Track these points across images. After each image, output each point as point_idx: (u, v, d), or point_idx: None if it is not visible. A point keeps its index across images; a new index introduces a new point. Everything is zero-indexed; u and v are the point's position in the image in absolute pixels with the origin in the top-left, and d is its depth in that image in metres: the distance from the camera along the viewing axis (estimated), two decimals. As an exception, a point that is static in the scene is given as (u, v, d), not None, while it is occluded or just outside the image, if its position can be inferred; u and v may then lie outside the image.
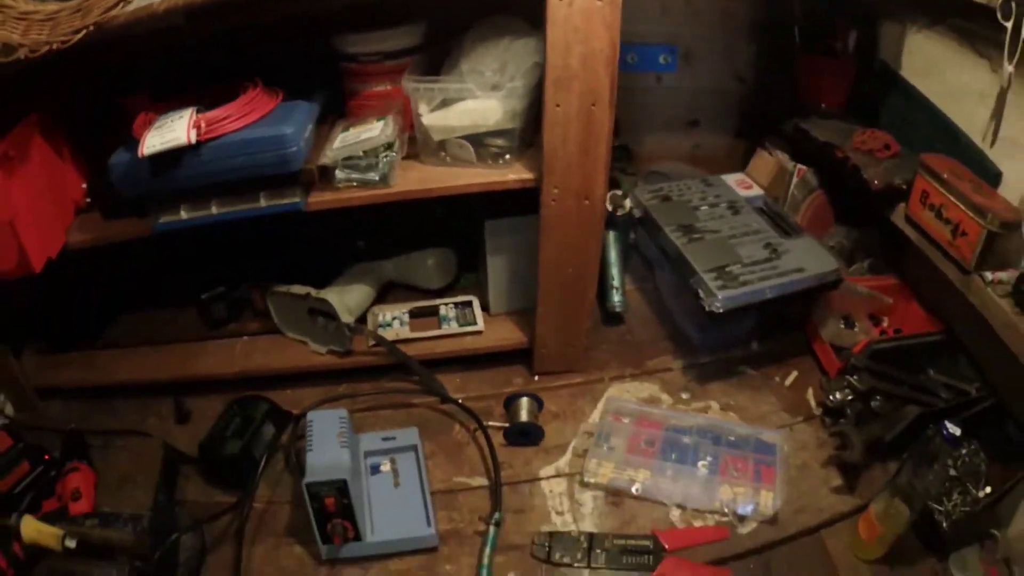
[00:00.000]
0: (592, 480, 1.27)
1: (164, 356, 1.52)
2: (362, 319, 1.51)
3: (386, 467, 1.30)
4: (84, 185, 1.34)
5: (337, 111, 1.37)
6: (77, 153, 1.34)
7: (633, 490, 1.25)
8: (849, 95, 1.60)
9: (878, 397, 1.28)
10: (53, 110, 1.28)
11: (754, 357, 1.49)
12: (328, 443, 1.17)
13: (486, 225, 1.43)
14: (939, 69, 1.37)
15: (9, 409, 1.47)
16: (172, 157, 1.14)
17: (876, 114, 1.53)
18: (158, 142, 1.12)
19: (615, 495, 1.26)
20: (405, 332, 1.50)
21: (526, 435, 1.35)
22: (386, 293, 1.62)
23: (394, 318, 1.53)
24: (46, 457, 1.29)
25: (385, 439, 1.32)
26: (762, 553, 1.17)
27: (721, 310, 1.31)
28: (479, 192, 1.26)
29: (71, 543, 1.06)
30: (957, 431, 1.03)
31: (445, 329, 1.50)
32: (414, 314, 1.54)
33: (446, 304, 1.55)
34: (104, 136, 1.22)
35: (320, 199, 1.25)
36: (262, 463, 1.30)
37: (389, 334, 1.48)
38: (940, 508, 1.08)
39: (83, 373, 1.50)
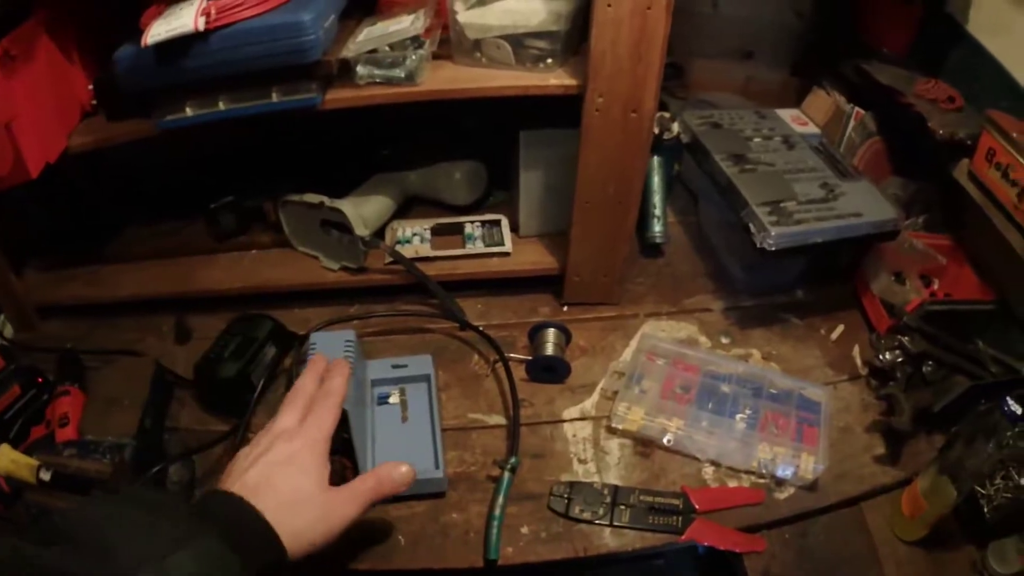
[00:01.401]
0: (620, 426, 1.08)
1: (168, 269, 1.34)
2: (380, 234, 1.32)
3: (395, 398, 1.11)
4: (91, 87, 1.17)
5: (367, 10, 1.15)
6: (86, 54, 1.17)
7: (664, 440, 1.06)
8: (912, 43, 1.40)
9: (930, 362, 1.10)
10: (63, 8, 1.10)
11: (799, 305, 1.29)
12: (330, 369, 0.99)
13: (521, 135, 1.21)
14: (1008, 27, 1.20)
15: (8, 330, 1.32)
16: (179, 48, 0.97)
17: (938, 64, 1.34)
18: (163, 30, 0.95)
19: (644, 445, 1.07)
20: (426, 250, 1.30)
21: (551, 370, 1.16)
22: (408, 208, 1.42)
23: (414, 234, 1.32)
24: (39, 380, 1.16)
25: (396, 366, 1.13)
26: (798, 522, 1.00)
27: (774, 247, 1.11)
28: (515, 97, 1.05)
29: (45, 476, 0.94)
30: (1019, 409, 0.85)
31: (470, 248, 1.30)
32: (436, 231, 1.34)
33: (472, 222, 1.34)
34: (117, 38, 1.05)
35: (339, 96, 1.05)
36: (258, 388, 1.12)
37: (408, 251, 1.28)
38: (983, 491, 0.92)
39: (85, 289, 1.33)
